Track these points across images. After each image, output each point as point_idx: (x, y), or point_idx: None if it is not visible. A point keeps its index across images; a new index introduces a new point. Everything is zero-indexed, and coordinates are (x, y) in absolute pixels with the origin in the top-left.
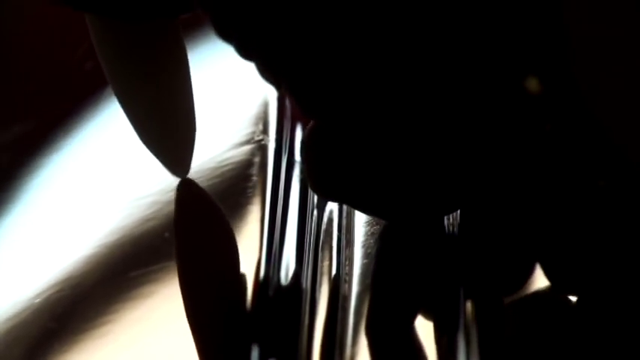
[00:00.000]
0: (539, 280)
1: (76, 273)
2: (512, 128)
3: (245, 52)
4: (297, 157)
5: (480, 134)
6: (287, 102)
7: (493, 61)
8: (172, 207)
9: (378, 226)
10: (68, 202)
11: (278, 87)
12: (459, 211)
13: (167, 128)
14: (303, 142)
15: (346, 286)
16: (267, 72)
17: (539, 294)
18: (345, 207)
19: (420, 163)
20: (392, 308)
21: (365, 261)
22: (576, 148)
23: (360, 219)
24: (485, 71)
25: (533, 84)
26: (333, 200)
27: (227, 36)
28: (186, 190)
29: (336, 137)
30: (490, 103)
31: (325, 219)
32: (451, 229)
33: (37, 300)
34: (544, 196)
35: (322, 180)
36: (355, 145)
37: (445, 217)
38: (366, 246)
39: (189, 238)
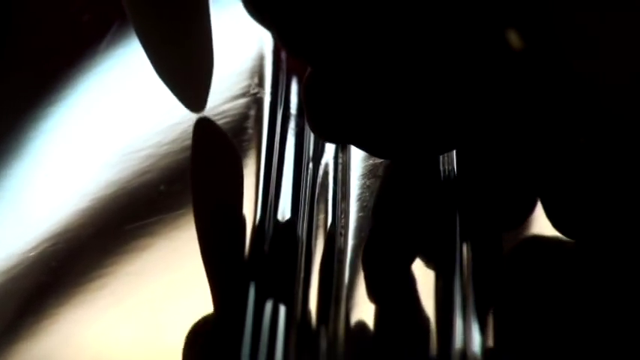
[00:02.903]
0: (539, 222)
1: (70, 226)
2: (500, 75)
3: (254, 6)
4: (293, 110)
5: (471, 76)
6: (282, 55)
7: (481, 9)
8: (167, 160)
9: (374, 179)
10: (63, 155)
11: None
12: (454, 153)
13: (186, 64)
14: (302, 87)
15: (342, 239)
16: (263, 16)
17: (538, 235)
18: (340, 160)
19: (417, 101)
20: (388, 254)
21: (360, 214)
22: (559, 101)
23: (356, 172)
24: (473, 18)
25: (514, 37)
26: (334, 141)
27: None
28: (204, 127)
29: (333, 79)
30: (478, 47)
31: (321, 172)
32: (447, 171)
33: (32, 253)
34: (542, 136)
35: (322, 121)
36: (352, 86)
37: (441, 160)
38: (361, 199)
39: (203, 173)
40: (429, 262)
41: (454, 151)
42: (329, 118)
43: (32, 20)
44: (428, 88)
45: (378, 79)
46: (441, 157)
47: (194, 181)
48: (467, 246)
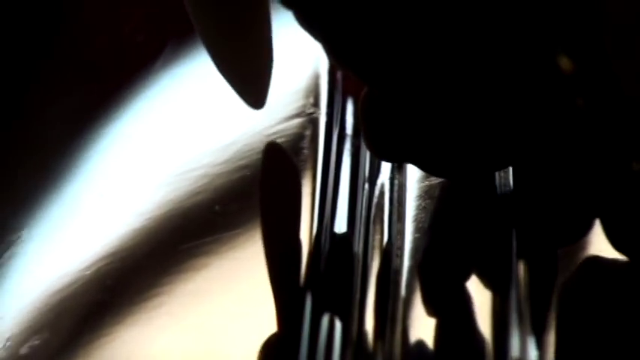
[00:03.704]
0: (596, 239)
1: (125, 245)
2: (555, 95)
3: (307, 22)
4: (349, 130)
5: (527, 95)
6: (338, 75)
7: (532, 33)
8: (222, 180)
9: (430, 200)
10: (118, 174)
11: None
12: (511, 170)
13: (246, 61)
14: (359, 105)
15: (398, 260)
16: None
17: (595, 253)
18: (396, 181)
19: (474, 118)
20: (445, 272)
21: (416, 235)
22: (610, 125)
23: (412, 193)
24: (528, 40)
25: (565, 61)
26: (391, 160)
27: (289, 3)
28: (272, 151)
29: (390, 98)
30: (533, 69)
31: (377, 193)
32: (503, 189)
33: (87, 272)
34: (597, 157)
35: (379, 140)
36: (409, 104)
37: (497, 178)
38: (417, 220)
39: (269, 196)
40: (485, 280)
41: (510, 169)
42: (386, 137)
43: (87, 41)
44: (485, 105)
45: (435, 97)
46: (497, 175)
47: (260, 198)
48: (523, 264)
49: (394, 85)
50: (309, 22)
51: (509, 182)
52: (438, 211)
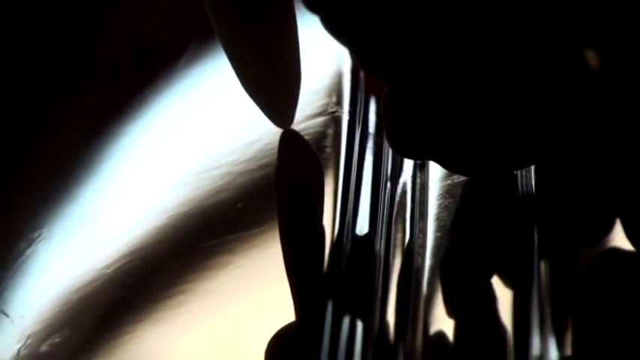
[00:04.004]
0: (617, 239)
1: (146, 243)
2: (575, 94)
3: (332, 26)
4: (371, 129)
5: (547, 93)
6: (361, 74)
7: (557, 27)
8: (244, 178)
9: (452, 199)
10: (140, 172)
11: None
12: (533, 170)
13: (274, 80)
14: (381, 103)
15: (419, 258)
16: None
17: (617, 253)
18: (418, 180)
19: (496, 116)
20: (466, 270)
21: (438, 234)
22: (635, 123)
23: (434, 192)
24: (553, 36)
25: (592, 56)
26: (412, 157)
27: (315, 7)
28: (289, 140)
29: (412, 95)
30: (557, 66)
31: (399, 191)
32: (525, 189)
33: (108, 270)
34: (619, 155)
35: (400, 136)
36: (431, 101)
37: (519, 176)
38: (439, 219)
39: (288, 186)
40: (506, 279)
41: (532, 169)
42: (408, 134)
43: (108, 40)
44: (507, 101)
45: (456, 94)
46: (519, 174)
47: (279, 194)
48: (544, 263)
49: (418, 84)
50: (335, 26)
51: (531, 181)
52: (460, 210)
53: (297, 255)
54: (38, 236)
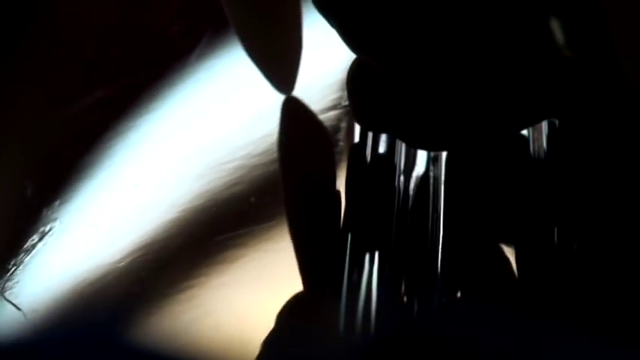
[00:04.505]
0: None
1: (159, 237)
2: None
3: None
4: None
5: (514, 72)
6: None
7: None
8: (257, 172)
9: (465, 192)
10: (153, 166)
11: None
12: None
13: (276, 47)
14: (347, 75)
15: (432, 251)
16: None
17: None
18: (431, 173)
19: (460, 93)
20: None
21: (450, 227)
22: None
23: (447, 185)
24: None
25: (567, 52)
26: (372, 130)
27: None
28: (292, 106)
29: (377, 71)
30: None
31: (412, 185)
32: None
33: (121, 264)
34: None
35: (365, 111)
36: (395, 78)
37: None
38: (451, 211)
39: (292, 151)
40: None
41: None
42: (371, 106)
43: (121, 32)
44: (474, 78)
45: (421, 69)
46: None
47: (295, 191)
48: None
49: (385, 57)
50: (323, 4)
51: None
52: (472, 202)
53: (309, 250)
54: (50, 230)
